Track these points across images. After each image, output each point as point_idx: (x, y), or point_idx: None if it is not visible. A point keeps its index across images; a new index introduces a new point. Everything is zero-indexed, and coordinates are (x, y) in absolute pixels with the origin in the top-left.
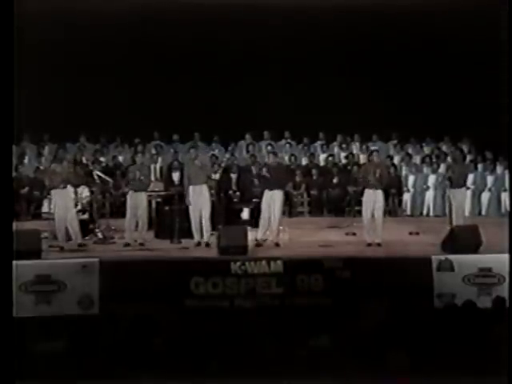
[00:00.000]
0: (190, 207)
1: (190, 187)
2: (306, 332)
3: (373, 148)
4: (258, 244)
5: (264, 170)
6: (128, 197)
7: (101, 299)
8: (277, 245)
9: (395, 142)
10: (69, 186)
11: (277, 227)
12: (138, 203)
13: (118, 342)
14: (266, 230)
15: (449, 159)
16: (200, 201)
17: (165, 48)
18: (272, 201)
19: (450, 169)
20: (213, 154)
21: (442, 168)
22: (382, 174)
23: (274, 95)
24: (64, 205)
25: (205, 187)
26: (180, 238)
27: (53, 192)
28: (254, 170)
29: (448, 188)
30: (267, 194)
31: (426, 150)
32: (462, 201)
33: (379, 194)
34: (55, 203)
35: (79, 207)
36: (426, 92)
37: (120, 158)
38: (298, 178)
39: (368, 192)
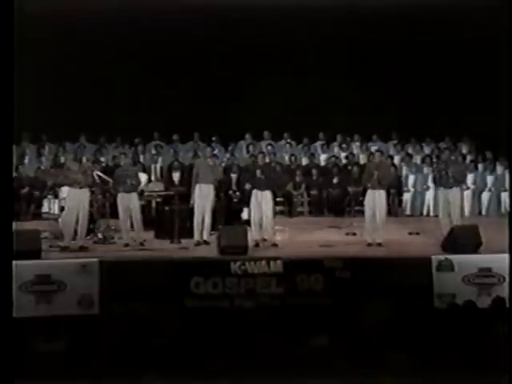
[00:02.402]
0: (195, 206)
1: (197, 186)
2: (305, 332)
3: (374, 148)
4: (255, 244)
5: (258, 171)
6: (118, 199)
7: (101, 299)
8: (274, 245)
9: (395, 141)
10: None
11: (272, 227)
12: (129, 204)
13: (117, 342)
14: (260, 231)
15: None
16: (205, 200)
17: (165, 48)
18: (263, 201)
19: (438, 167)
20: (213, 154)
21: None
22: (382, 174)
23: (273, 95)
24: (77, 204)
25: (212, 187)
26: (180, 237)
27: (68, 191)
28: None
29: (437, 187)
30: (257, 194)
31: (426, 149)
32: (457, 200)
33: (381, 194)
34: (69, 202)
35: None
36: (426, 92)
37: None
38: (298, 178)
39: (369, 192)
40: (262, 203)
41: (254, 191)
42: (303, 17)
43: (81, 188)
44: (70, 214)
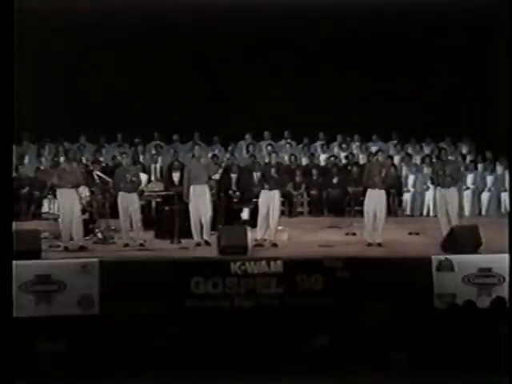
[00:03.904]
0: (190, 207)
1: (191, 187)
2: (305, 332)
3: (377, 148)
4: (258, 244)
5: (273, 170)
6: (119, 199)
7: (101, 299)
8: (274, 245)
9: (395, 142)
10: (74, 186)
11: (275, 227)
12: (129, 204)
13: (118, 342)
14: (265, 230)
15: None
16: (201, 201)
17: (165, 48)
18: (271, 201)
19: (435, 167)
20: (213, 154)
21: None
22: (387, 174)
23: (274, 95)
24: (70, 205)
25: (206, 187)
26: (180, 238)
27: (59, 191)
28: (255, 169)
29: (435, 187)
30: (266, 193)
31: (426, 149)
32: (455, 200)
33: (382, 194)
34: (61, 203)
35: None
36: (426, 92)
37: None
38: (298, 178)
39: (371, 192)
40: (270, 203)
41: (264, 190)
42: (303, 16)
43: (71, 188)
44: (65, 213)
